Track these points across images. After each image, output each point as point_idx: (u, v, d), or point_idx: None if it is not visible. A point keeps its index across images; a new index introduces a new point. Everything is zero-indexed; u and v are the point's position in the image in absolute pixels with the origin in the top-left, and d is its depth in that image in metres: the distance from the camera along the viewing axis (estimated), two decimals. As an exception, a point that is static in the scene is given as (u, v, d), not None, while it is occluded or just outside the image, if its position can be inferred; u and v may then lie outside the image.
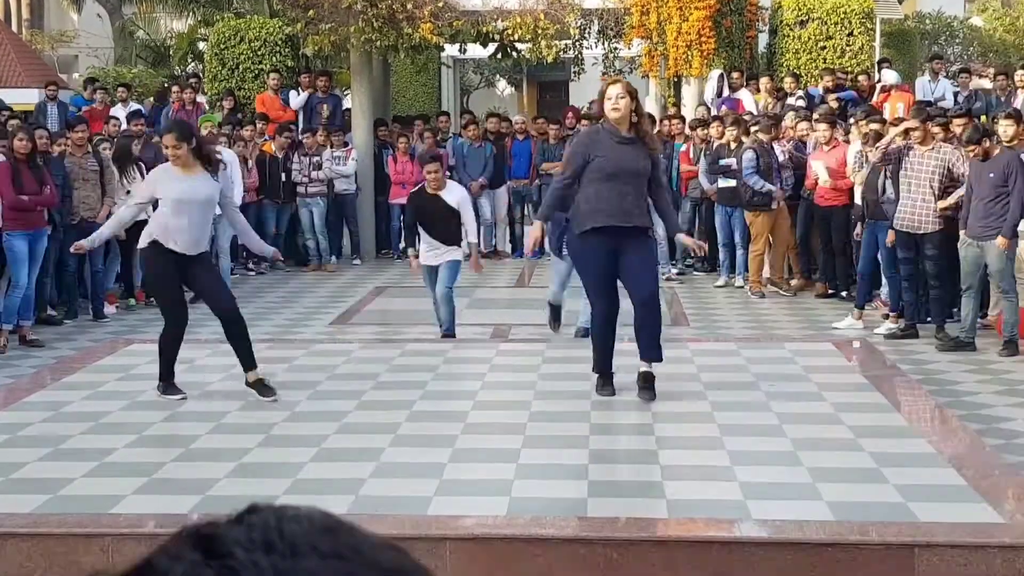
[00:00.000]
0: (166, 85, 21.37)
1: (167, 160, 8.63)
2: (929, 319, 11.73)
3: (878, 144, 11.77)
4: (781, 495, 6.30)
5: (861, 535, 5.69)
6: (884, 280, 12.46)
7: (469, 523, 5.95)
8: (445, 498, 6.28)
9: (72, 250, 9.38)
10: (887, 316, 12.14)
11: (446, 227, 11.03)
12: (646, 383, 8.35)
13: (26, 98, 22.91)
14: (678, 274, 15.78)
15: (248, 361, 8.60)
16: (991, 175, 10.64)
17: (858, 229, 12.76)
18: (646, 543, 5.72)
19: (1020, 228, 10.75)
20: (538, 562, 5.69)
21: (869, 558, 5.58)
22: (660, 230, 15.42)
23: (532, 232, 8.92)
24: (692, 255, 15.64)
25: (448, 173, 17.90)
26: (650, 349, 8.37)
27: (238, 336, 8.62)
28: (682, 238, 9.12)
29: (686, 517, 6.02)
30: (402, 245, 17.75)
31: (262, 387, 8.50)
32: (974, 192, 10.81)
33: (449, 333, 11.17)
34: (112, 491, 6.44)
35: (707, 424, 7.71)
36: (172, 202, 8.34)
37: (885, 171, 11.91)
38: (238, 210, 9.26)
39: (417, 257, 11.33)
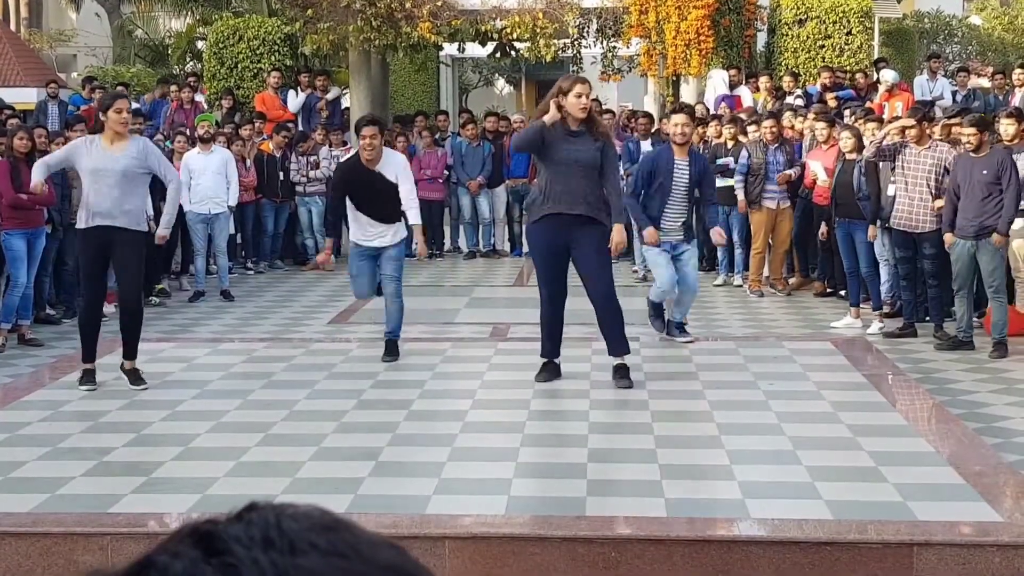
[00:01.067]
0: (168, 81, 21.34)
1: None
2: (928, 318, 11.72)
3: (873, 139, 11.76)
4: (780, 494, 6.31)
5: (860, 534, 5.70)
6: (883, 278, 12.46)
7: (468, 522, 5.95)
8: (444, 497, 6.29)
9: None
10: (884, 315, 12.13)
11: (384, 204, 9.73)
12: (621, 374, 8.74)
13: (25, 97, 22.95)
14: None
15: (129, 352, 8.98)
16: (984, 172, 10.62)
17: (823, 228, 12.78)
18: (645, 542, 5.73)
19: (1014, 227, 10.75)
20: (537, 561, 5.69)
21: (868, 557, 5.58)
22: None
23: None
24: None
25: (447, 172, 18.03)
26: (616, 345, 8.78)
27: (128, 327, 8.98)
28: (615, 231, 8.88)
29: (685, 516, 6.02)
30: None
31: (135, 376, 8.90)
32: (963, 191, 10.75)
33: (393, 338, 9.84)
34: (111, 490, 6.44)
35: (706, 423, 7.72)
36: (87, 174, 8.67)
37: (859, 168, 11.90)
38: (177, 184, 9.30)
39: (331, 249, 10.35)
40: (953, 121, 12.24)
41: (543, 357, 8.98)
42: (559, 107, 8.58)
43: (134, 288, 9.02)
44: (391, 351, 9.77)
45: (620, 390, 8.63)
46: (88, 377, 8.94)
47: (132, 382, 8.87)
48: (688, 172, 10.18)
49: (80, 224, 8.85)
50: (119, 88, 17.75)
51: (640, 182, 10.21)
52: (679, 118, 10.24)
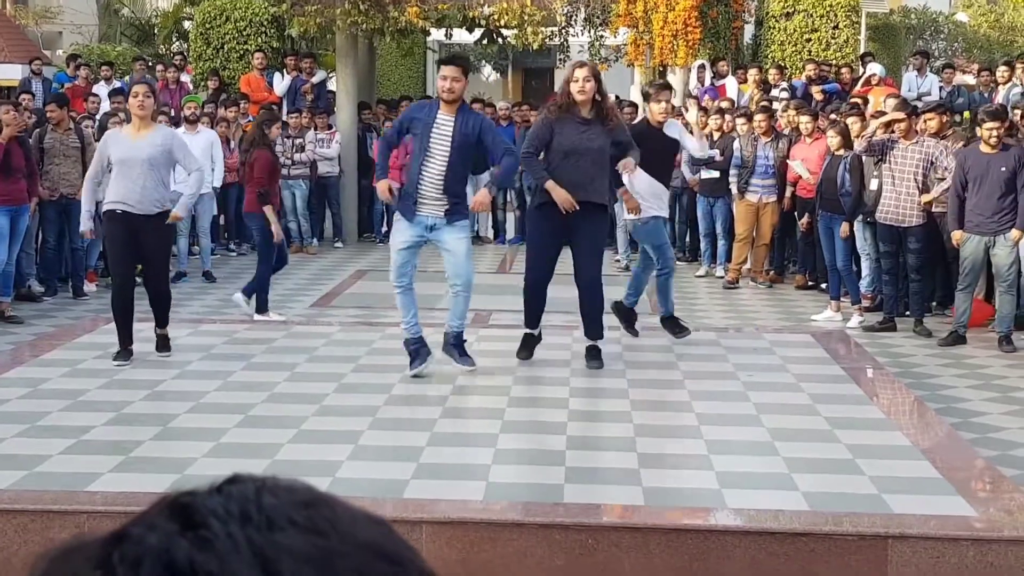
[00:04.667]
0: (149, 64, 21.23)
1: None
2: (907, 312, 11.78)
3: (863, 134, 11.79)
4: (757, 485, 6.33)
5: (835, 525, 5.72)
6: (863, 273, 12.51)
7: (446, 507, 5.96)
8: (422, 482, 6.29)
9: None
10: (865, 308, 12.18)
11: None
12: (593, 355, 8.98)
13: (8, 74, 22.82)
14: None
15: (161, 320, 9.25)
16: (1002, 168, 10.63)
17: (805, 219, 12.80)
18: (621, 530, 5.74)
19: None
20: (514, 547, 5.71)
21: (843, 548, 5.61)
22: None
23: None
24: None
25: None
26: (592, 329, 9.02)
27: (156, 308, 9.21)
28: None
29: (662, 505, 6.04)
30: (384, 228, 17.77)
31: (163, 343, 9.23)
32: (979, 187, 10.71)
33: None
34: (89, 469, 6.43)
35: (685, 413, 7.74)
36: (117, 162, 8.84)
37: (844, 164, 11.94)
38: (198, 170, 9.33)
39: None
40: (927, 115, 12.27)
41: (527, 327, 9.17)
42: (567, 93, 8.66)
43: (162, 273, 9.32)
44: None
45: (600, 376, 8.68)
46: (121, 355, 9.04)
47: (158, 348, 9.18)
48: (452, 131, 8.40)
49: (107, 206, 8.99)
50: (128, 74, 17.68)
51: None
52: (449, 70, 8.42)
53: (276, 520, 0.88)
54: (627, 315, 10.11)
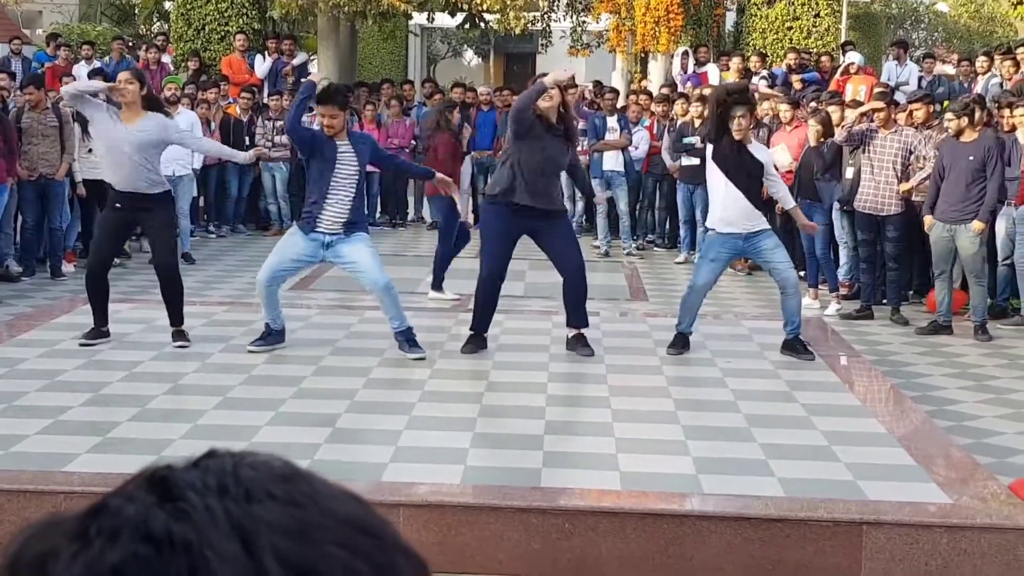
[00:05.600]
0: (130, 44, 21.14)
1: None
2: (884, 301, 11.83)
3: (843, 123, 11.82)
4: (733, 470, 6.36)
5: (810, 511, 5.75)
6: (841, 260, 12.56)
7: (423, 490, 5.98)
8: (400, 465, 6.30)
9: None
10: (842, 296, 12.23)
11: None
12: (582, 343, 8.97)
13: (-12, 52, 22.67)
14: (638, 249, 15.83)
15: (174, 318, 9.07)
16: (970, 158, 10.67)
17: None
18: (598, 514, 5.77)
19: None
20: (491, 530, 5.72)
21: (818, 534, 5.64)
22: (622, 204, 15.59)
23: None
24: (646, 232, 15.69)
25: (413, 142, 17.97)
26: (577, 316, 9.04)
27: (169, 293, 9.05)
28: (597, 199, 10.20)
29: (638, 489, 6.06)
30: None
31: (180, 336, 9.04)
32: (948, 175, 10.79)
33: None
34: (65, 449, 6.42)
35: (662, 399, 7.77)
36: (103, 146, 8.91)
37: (822, 152, 11.99)
38: (200, 138, 9.40)
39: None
40: (914, 105, 12.34)
41: (472, 330, 9.06)
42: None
43: (168, 254, 9.13)
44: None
45: (579, 361, 8.71)
46: (92, 333, 9.00)
47: (173, 338, 9.01)
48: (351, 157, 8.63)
49: (106, 179, 9.06)
50: (108, 54, 17.56)
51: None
52: (324, 109, 8.62)
53: (254, 492, 0.88)
54: (793, 346, 9.06)
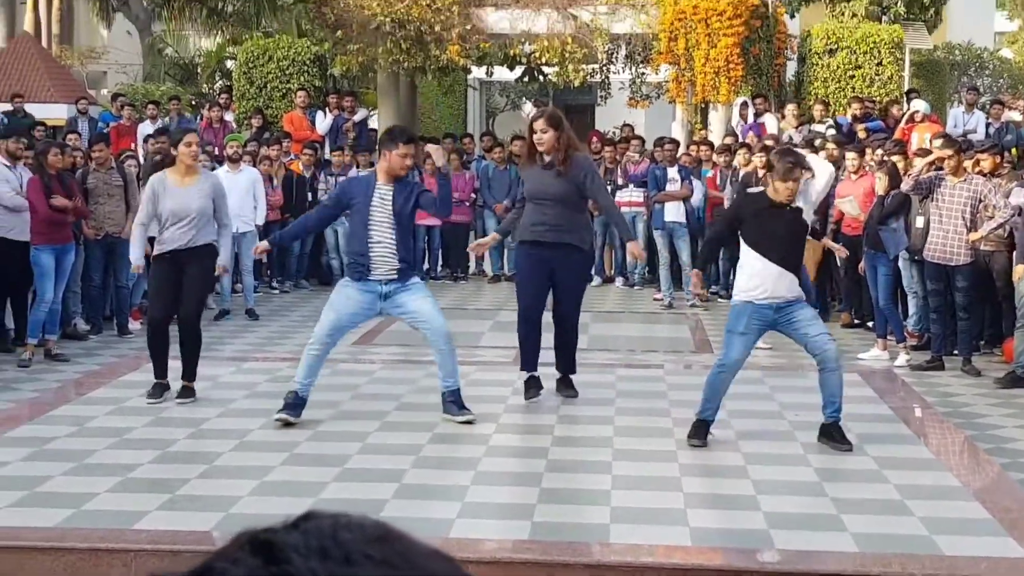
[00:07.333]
0: (193, 103, 21.46)
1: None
2: (955, 352, 11.68)
3: (909, 173, 11.73)
4: (805, 525, 6.27)
5: (884, 567, 5.66)
6: (910, 311, 12.43)
7: (491, 546, 5.94)
8: (467, 520, 6.27)
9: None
10: (912, 347, 12.08)
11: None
12: (565, 384, 9.24)
13: (55, 113, 23.09)
14: (702, 300, 15.75)
15: (188, 372, 9.16)
16: None
17: (842, 251, 12.65)
18: (669, 570, 5.70)
19: None
20: (560, 588, 5.67)
21: (894, 591, 5.54)
22: (684, 255, 15.55)
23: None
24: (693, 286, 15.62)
25: (473, 195, 18.05)
26: (565, 363, 9.27)
27: (187, 346, 9.16)
28: (631, 246, 9.84)
29: (709, 546, 5.99)
30: (426, 266, 17.83)
31: (186, 392, 9.11)
32: None
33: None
34: (135, 507, 6.45)
35: (731, 452, 7.69)
36: (170, 213, 9.03)
37: (889, 201, 11.86)
38: (228, 228, 9.53)
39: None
40: (982, 155, 12.23)
41: (523, 370, 9.22)
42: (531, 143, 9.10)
43: (194, 308, 9.24)
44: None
45: (645, 415, 8.64)
46: (156, 390, 9.14)
47: (179, 395, 9.07)
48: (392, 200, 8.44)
49: (157, 250, 9.24)
50: (169, 119, 17.81)
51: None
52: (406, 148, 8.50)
53: (352, 555, 0.93)
54: (830, 434, 7.94)
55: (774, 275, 7.76)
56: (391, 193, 8.37)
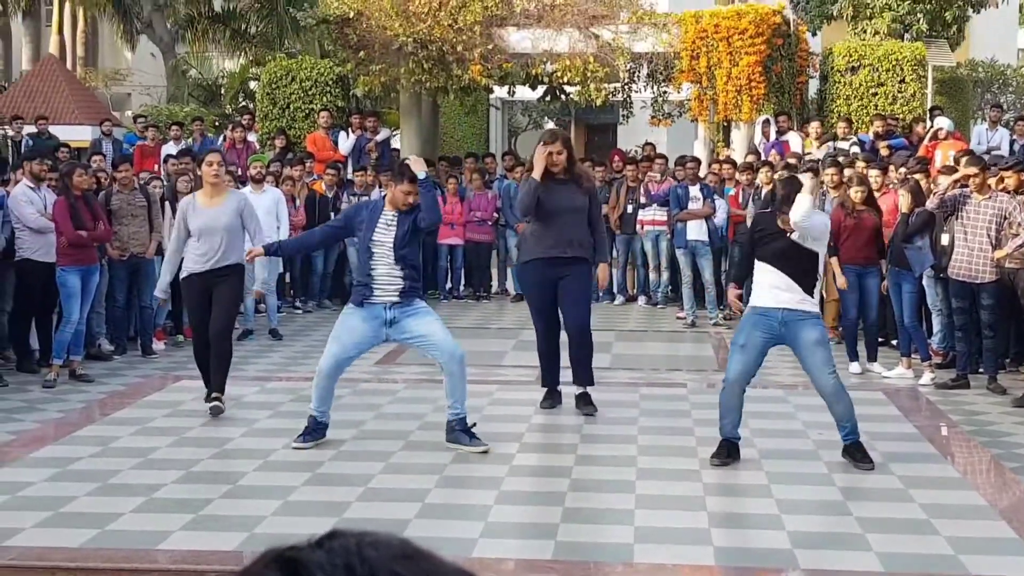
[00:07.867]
0: (216, 124, 21.57)
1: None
2: (981, 370, 11.60)
3: (935, 191, 11.68)
4: (830, 545, 6.24)
5: (911, 587, 5.62)
6: (935, 329, 12.36)
7: (514, 566, 5.93)
8: (490, 540, 6.26)
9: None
10: (937, 365, 12.01)
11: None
12: (585, 401, 9.37)
13: (80, 135, 23.25)
14: (725, 319, 15.69)
15: (217, 385, 9.33)
16: None
17: (885, 282, 12.54)
18: (693, 591, 5.68)
19: None
20: (584, 608, 5.65)
21: (920, 611, 5.51)
22: (707, 274, 15.52)
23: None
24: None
25: (495, 215, 18.07)
26: (583, 375, 9.41)
27: (217, 358, 9.32)
28: (600, 269, 9.74)
29: (733, 565, 5.96)
30: (448, 285, 17.85)
31: (216, 407, 9.27)
32: None
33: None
34: (159, 527, 6.46)
35: (754, 471, 7.66)
36: (197, 232, 9.33)
37: (912, 219, 11.78)
38: (262, 236, 9.63)
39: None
40: (1006, 173, 12.16)
41: (544, 386, 9.61)
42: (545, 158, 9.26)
43: (223, 323, 9.41)
44: None
45: (668, 434, 8.61)
46: (215, 404, 9.35)
47: (212, 412, 9.24)
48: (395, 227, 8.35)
49: (184, 274, 9.47)
50: (197, 137, 17.88)
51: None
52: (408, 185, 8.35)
53: (378, 572, 0.93)
54: (851, 453, 7.89)
55: (778, 283, 7.87)
56: (396, 220, 8.31)
